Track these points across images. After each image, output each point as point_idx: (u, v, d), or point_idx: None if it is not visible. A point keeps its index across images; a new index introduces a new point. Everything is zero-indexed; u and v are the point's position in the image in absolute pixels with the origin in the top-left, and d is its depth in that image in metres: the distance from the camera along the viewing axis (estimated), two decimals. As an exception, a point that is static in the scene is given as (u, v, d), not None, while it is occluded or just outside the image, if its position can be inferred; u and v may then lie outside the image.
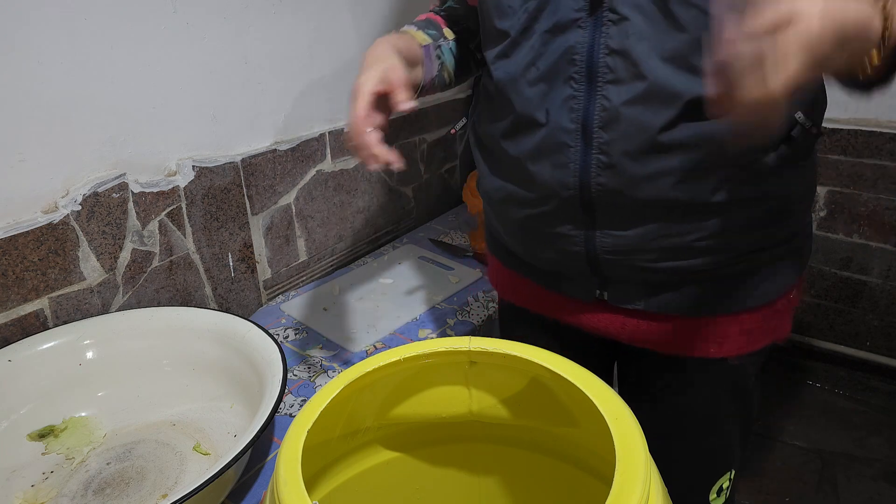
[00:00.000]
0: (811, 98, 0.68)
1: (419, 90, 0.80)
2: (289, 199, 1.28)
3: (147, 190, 1.03)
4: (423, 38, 0.82)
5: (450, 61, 0.84)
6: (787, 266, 0.76)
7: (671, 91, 0.62)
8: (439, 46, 0.83)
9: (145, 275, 1.06)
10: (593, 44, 0.64)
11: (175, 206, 1.07)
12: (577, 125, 0.67)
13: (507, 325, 1.01)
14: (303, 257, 1.35)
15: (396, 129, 1.50)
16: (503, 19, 0.70)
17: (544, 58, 0.67)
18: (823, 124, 2.04)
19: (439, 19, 0.87)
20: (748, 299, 0.75)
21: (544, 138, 0.69)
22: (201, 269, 1.15)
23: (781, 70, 0.43)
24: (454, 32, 0.86)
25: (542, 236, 0.77)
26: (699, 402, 0.83)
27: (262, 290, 1.28)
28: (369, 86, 0.67)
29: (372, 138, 0.67)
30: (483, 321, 1.21)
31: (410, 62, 0.76)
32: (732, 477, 0.86)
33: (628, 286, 0.76)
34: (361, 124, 0.66)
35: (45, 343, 0.91)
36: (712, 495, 0.85)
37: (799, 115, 0.66)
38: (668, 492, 0.53)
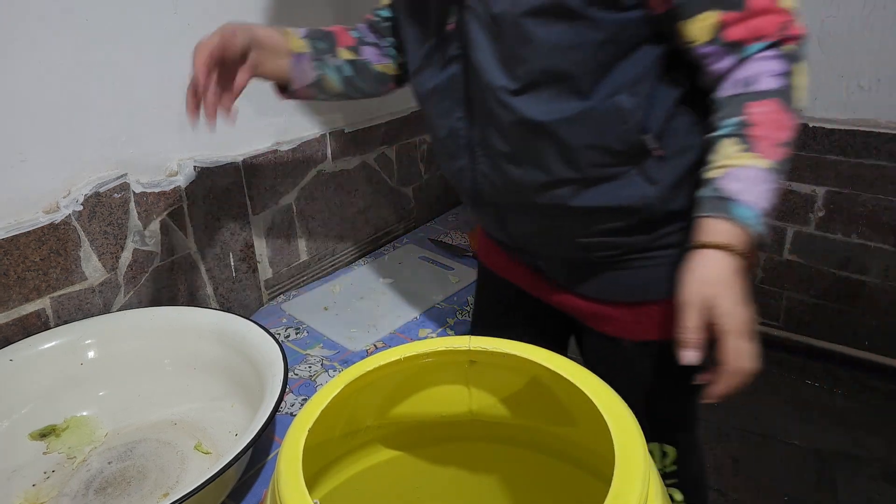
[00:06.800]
0: (660, 125, 0.70)
1: (287, 88, 0.87)
2: (290, 199, 1.28)
3: (148, 190, 1.03)
4: (298, 45, 0.86)
5: (334, 76, 0.89)
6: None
7: None
8: (320, 59, 0.87)
9: (147, 275, 1.06)
10: None
11: (176, 206, 1.08)
12: None
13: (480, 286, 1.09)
14: (304, 257, 1.36)
15: (397, 130, 1.50)
16: None
17: None
18: (821, 125, 2.02)
19: (345, 36, 0.90)
20: (634, 293, 0.80)
21: None
22: (202, 269, 1.15)
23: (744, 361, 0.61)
24: (358, 52, 0.91)
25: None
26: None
27: (263, 289, 1.28)
28: (210, 42, 0.73)
29: (211, 94, 0.74)
30: (483, 321, 1.21)
31: (270, 50, 0.82)
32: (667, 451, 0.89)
33: (552, 263, 0.85)
34: (202, 79, 0.72)
35: (47, 343, 0.91)
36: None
37: (647, 139, 0.69)
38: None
